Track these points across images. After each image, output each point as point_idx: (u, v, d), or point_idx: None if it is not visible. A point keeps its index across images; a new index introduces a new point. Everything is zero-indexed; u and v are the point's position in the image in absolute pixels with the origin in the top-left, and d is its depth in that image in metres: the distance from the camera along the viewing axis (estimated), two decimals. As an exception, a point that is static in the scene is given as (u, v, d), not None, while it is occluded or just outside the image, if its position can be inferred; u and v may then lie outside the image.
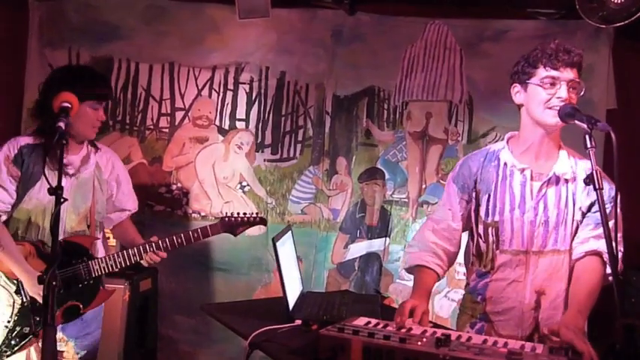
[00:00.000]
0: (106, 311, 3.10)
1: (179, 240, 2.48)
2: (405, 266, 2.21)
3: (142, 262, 2.50)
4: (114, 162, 2.62)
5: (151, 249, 2.46)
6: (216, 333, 3.62)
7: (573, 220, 2.00)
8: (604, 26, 3.29)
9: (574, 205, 2.00)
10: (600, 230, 1.68)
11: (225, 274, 3.78)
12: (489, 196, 2.04)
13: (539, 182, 2.00)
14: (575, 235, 2.01)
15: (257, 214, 2.62)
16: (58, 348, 2.45)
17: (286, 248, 2.47)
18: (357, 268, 3.80)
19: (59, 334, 2.45)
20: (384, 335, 1.67)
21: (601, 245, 1.92)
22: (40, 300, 2.33)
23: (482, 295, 2.07)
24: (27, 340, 2.39)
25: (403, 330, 1.79)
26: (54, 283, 1.76)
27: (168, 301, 3.74)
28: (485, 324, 2.06)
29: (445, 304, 3.66)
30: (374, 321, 1.88)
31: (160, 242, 2.48)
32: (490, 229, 2.04)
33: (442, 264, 2.13)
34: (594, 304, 1.92)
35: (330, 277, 3.80)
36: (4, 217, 2.41)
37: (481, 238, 2.07)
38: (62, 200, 1.86)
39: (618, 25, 3.18)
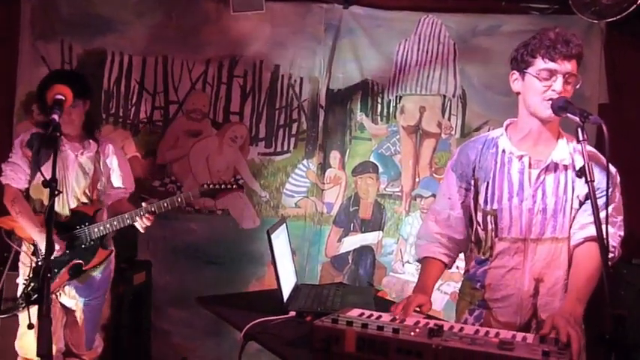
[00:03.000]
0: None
1: (165, 204, 2.79)
2: (415, 259, 2.25)
3: (135, 224, 2.80)
4: (111, 148, 2.97)
5: (142, 212, 2.77)
6: (211, 325, 3.63)
7: (572, 208, 2.00)
8: (596, 21, 3.31)
9: (573, 192, 1.99)
10: (600, 216, 1.68)
11: (220, 267, 3.78)
12: (488, 183, 2.04)
13: (538, 169, 1.99)
14: (573, 222, 2.01)
15: (236, 179, 2.86)
16: (69, 305, 2.88)
17: (281, 241, 2.47)
18: (350, 261, 3.82)
19: (72, 292, 2.86)
20: (378, 326, 1.68)
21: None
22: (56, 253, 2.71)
23: (482, 282, 2.08)
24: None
25: (397, 320, 1.80)
26: (49, 275, 1.78)
27: (162, 294, 3.74)
28: (483, 311, 2.07)
29: (438, 297, 3.68)
30: (367, 312, 1.89)
31: (149, 207, 2.78)
32: (489, 217, 2.04)
33: (449, 252, 2.15)
34: (593, 289, 1.92)
35: (324, 270, 3.82)
36: (23, 189, 2.80)
37: (480, 225, 2.07)
38: (57, 193, 1.89)
39: (610, 20, 3.19)
